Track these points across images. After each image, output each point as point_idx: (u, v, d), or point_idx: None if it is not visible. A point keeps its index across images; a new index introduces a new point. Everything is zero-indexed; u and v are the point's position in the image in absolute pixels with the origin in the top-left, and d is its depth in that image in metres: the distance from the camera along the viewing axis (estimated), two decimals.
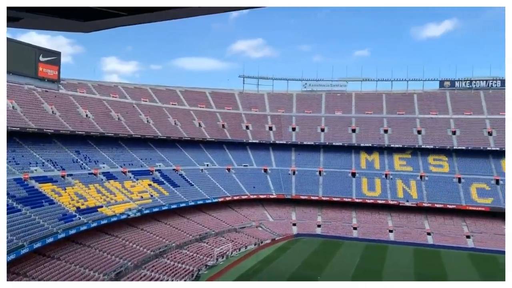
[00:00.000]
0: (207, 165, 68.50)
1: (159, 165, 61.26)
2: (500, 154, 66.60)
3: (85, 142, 55.33)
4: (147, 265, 41.11)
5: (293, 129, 77.43)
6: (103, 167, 52.99)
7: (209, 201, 60.25)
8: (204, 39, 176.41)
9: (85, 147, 54.59)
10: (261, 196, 67.86)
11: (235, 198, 64.65)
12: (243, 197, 65.96)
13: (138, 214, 47.81)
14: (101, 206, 44.56)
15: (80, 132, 53.45)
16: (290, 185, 70.14)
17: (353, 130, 74.91)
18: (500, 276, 43.54)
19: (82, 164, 51.08)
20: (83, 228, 39.66)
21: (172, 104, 73.87)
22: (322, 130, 76.17)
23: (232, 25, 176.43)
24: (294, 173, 72.06)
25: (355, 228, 63.44)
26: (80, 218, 40.56)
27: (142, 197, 51.46)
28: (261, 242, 56.23)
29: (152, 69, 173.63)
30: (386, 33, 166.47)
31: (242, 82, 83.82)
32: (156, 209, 50.99)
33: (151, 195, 53.03)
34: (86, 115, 56.96)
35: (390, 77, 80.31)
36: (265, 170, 72.27)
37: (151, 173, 58.44)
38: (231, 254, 49.92)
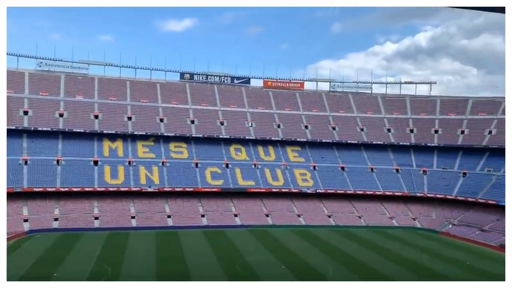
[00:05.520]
0: None
1: None
2: (229, 141, 76.67)
3: None
4: None
5: (25, 112, 68.27)
6: None
7: None
8: None
9: None
10: None
11: None
12: None
13: None
14: None
15: None
16: (21, 176, 61.75)
17: (96, 116, 71.83)
18: (228, 246, 50.23)
19: None
20: None
21: None
22: (61, 115, 70.05)
23: None
24: (26, 162, 63.75)
25: (96, 218, 61.20)
26: None
27: None
28: None
29: None
30: (131, 21, 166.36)
31: None
32: None
33: None
34: None
35: (134, 65, 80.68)
36: None
37: None
38: None
